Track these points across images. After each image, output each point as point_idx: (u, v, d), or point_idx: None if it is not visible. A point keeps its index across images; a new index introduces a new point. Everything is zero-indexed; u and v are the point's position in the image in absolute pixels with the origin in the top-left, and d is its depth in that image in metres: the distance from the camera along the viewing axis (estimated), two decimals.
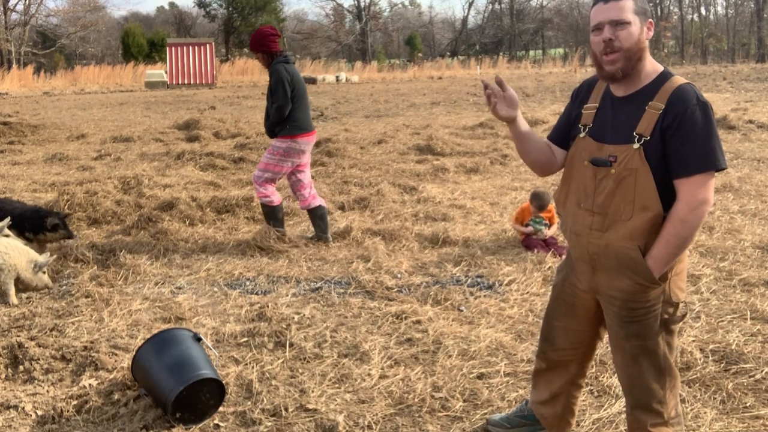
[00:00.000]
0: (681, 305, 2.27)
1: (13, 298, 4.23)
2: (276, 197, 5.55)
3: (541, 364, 2.64)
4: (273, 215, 5.56)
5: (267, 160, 5.42)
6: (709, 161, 2.08)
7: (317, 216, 5.58)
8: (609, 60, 2.15)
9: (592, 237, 2.25)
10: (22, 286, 4.29)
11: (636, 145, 2.13)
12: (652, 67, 2.20)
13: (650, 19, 2.19)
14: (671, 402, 2.31)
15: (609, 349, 2.72)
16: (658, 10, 52.29)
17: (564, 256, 2.64)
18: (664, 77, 2.18)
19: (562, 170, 2.45)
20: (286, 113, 5.28)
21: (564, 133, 2.44)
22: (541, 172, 2.52)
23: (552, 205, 5.40)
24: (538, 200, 5.39)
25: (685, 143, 2.08)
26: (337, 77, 34.95)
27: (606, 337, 2.49)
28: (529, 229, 5.34)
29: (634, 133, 2.14)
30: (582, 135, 2.31)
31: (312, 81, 33.00)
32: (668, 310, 2.23)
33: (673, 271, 2.21)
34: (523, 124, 2.43)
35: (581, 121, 2.34)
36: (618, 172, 2.16)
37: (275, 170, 5.43)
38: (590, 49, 2.26)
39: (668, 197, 2.12)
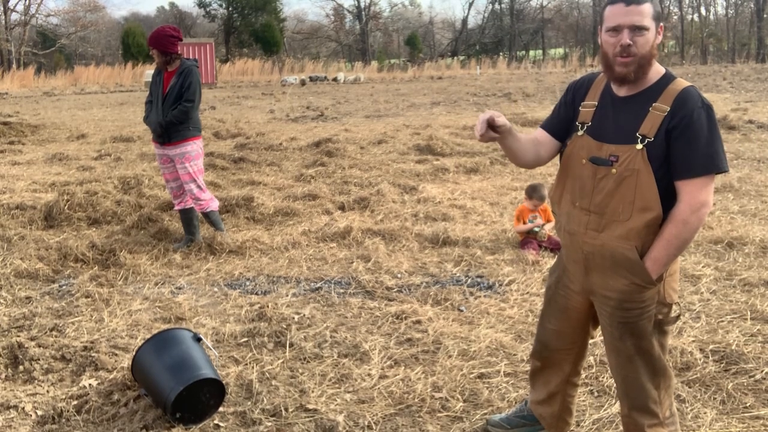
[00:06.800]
0: (674, 306, 2.27)
1: None
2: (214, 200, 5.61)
3: (536, 363, 2.66)
4: (216, 217, 5.58)
5: (192, 167, 5.31)
6: (713, 164, 2.09)
7: (194, 217, 5.57)
8: (623, 62, 2.12)
9: (588, 237, 2.25)
10: None
11: (639, 146, 2.12)
12: (654, 68, 2.19)
13: (662, 23, 2.17)
14: (666, 402, 2.32)
15: None
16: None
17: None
18: (667, 79, 2.17)
19: (558, 169, 2.44)
20: (192, 114, 5.25)
21: (557, 122, 2.41)
22: (529, 168, 2.49)
23: (547, 204, 5.41)
24: (536, 192, 5.41)
25: (689, 145, 2.08)
26: (335, 78, 34.97)
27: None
28: (530, 225, 5.36)
29: (638, 134, 2.13)
30: (580, 133, 2.29)
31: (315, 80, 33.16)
32: (662, 311, 2.23)
33: (668, 272, 2.21)
34: (509, 137, 2.32)
35: (579, 119, 2.32)
36: (619, 172, 2.15)
37: (202, 172, 5.45)
38: (601, 47, 2.22)
39: (667, 199, 2.13)
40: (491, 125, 2.23)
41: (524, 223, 5.44)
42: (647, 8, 2.10)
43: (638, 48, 2.11)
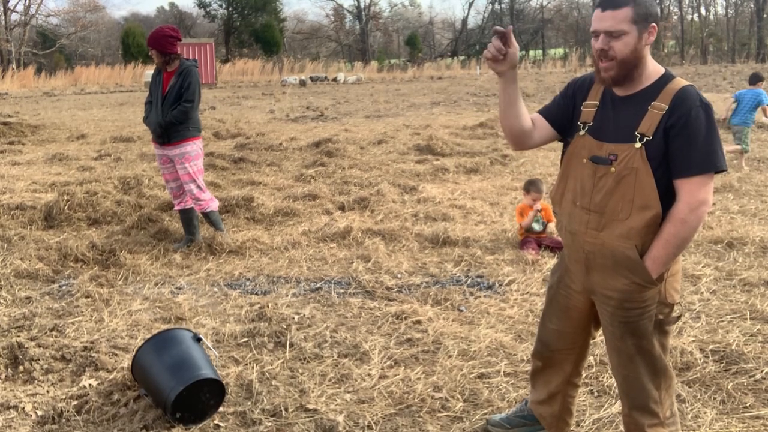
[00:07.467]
0: (676, 306, 2.27)
1: None
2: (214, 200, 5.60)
3: (537, 363, 2.66)
4: (216, 218, 5.57)
5: (192, 168, 5.30)
6: (711, 162, 2.09)
7: (194, 217, 5.56)
8: (603, 67, 2.16)
9: (588, 236, 2.25)
10: None
11: (638, 145, 2.13)
12: (653, 68, 2.19)
13: (653, 24, 2.15)
14: (666, 402, 2.32)
15: None
16: (658, 10, 52.28)
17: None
18: (666, 79, 2.17)
19: (560, 169, 2.44)
20: (192, 114, 5.24)
21: (555, 111, 2.40)
22: (515, 144, 2.42)
23: (547, 203, 5.41)
24: (534, 186, 5.41)
25: (688, 144, 2.08)
26: (335, 78, 34.99)
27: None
28: (530, 218, 5.33)
29: (636, 133, 2.14)
30: (581, 133, 2.29)
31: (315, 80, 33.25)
32: (663, 311, 2.24)
33: (669, 272, 2.21)
34: (513, 85, 2.30)
35: (581, 118, 2.32)
36: (618, 170, 2.16)
37: (201, 172, 5.44)
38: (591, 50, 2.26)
39: (667, 198, 2.13)
40: (503, 38, 2.20)
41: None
42: (624, 12, 2.09)
43: (616, 52, 2.12)
